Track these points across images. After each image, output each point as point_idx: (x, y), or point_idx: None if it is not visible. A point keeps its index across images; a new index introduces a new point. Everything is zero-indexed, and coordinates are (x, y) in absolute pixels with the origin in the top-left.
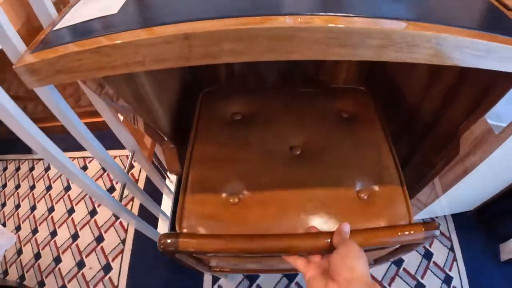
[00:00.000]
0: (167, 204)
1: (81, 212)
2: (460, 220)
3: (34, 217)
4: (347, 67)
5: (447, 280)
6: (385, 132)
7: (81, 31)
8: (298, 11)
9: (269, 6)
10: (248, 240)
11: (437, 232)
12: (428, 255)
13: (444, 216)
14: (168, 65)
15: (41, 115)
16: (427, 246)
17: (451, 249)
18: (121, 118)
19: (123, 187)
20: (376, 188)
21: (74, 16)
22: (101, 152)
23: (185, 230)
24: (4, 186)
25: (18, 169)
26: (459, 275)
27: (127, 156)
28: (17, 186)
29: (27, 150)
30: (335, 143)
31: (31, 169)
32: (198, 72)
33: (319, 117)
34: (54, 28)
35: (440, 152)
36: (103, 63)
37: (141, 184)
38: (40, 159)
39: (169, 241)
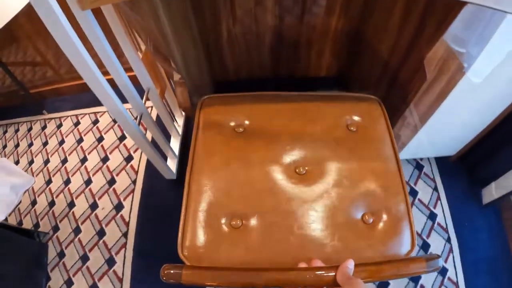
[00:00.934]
0: (174, 144)
1: (93, 160)
2: (444, 164)
3: (47, 169)
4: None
5: (432, 216)
6: (395, 150)
7: None
8: None
9: None
10: (251, 274)
11: (440, 264)
12: (413, 192)
13: (428, 159)
14: None
15: (51, 79)
16: (412, 184)
17: (435, 189)
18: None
19: (140, 116)
20: (382, 214)
21: None
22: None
23: (186, 254)
24: (17, 146)
25: (30, 129)
26: (443, 213)
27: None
28: (30, 145)
29: (38, 111)
30: (341, 162)
31: (43, 128)
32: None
33: (326, 131)
34: None
35: (411, 81)
36: None
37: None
38: (51, 119)
39: (172, 271)
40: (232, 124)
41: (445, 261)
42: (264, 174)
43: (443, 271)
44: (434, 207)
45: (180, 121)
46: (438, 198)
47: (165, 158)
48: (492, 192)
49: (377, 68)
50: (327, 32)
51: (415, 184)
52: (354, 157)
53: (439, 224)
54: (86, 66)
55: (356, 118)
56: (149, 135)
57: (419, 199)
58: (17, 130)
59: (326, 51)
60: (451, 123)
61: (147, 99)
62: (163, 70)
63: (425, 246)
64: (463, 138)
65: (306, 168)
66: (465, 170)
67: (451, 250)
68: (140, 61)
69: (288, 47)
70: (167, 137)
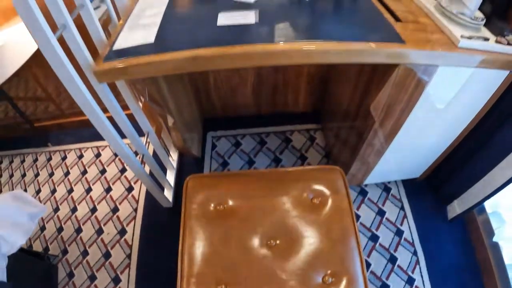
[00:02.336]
0: (170, 176)
1: (97, 190)
2: (410, 185)
3: (55, 198)
4: (303, 95)
5: (399, 232)
6: (353, 218)
7: (133, 51)
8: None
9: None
10: None
11: None
12: (381, 212)
13: (395, 181)
14: (183, 71)
15: (53, 114)
16: (379, 205)
17: (402, 208)
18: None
19: (142, 156)
20: (342, 276)
21: (123, 42)
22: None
23: None
24: (24, 175)
25: (36, 160)
26: (410, 229)
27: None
28: (36, 175)
29: (44, 143)
30: (306, 234)
31: (48, 159)
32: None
33: (293, 206)
34: (113, 49)
35: (363, 128)
36: (148, 71)
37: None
38: (56, 151)
39: None
40: (213, 204)
41: (412, 272)
42: (240, 247)
43: (410, 281)
44: (401, 224)
45: (174, 156)
46: (405, 216)
47: (162, 189)
48: (455, 208)
49: (343, 105)
50: (301, 75)
51: (383, 205)
52: (318, 228)
53: (405, 239)
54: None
55: (320, 189)
56: (147, 169)
57: (386, 218)
58: (23, 161)
59: (301, 91)
60: (414, 145)
61: (148, 143)
62: (159, 115)
63: (393, 259)
64: (427, 160)
65: (277, 241)
66: (430, 189)
67: (417, 262)
68: (141, 110)
69: (268, 88)
70: (164, 170)
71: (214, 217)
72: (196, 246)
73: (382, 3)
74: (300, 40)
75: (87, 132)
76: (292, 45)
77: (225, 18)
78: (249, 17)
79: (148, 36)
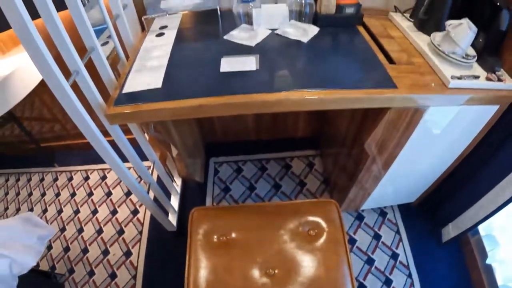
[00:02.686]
0: (174, 201)
1: (103, 212)
2: (406, 209)
3: (61, 218)
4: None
5: (394, 256)
6: (346, 248)
7: (140, 96)
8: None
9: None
10: None
11: None
12: (377, 236)
13: (391, 206)
14: (188, 117)
15: (59, 134)
16: (375, 229)
17: (397, 232)
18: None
19: (149, 185)
20: None
21: (132, 85)
22: (139, 163)
23: None
24: (30, 194)
25: (42, 180)
26: (405, 253)
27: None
28: (43, 194)
29: (50, 163)
30: (303, 264)
31: (55, 179)
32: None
33: (291, 237)
34: (122, 92)
35: (359, 161)
36: (157, 116)
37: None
38: (62, 171)
39: None
40: (216, 235)
41: None
42: (242, 276)
43: None
44: (396, 248)
45: (178, 181)
46: (400, 239)
47: (167, 214)
48: (450, 231)
49: (340, 135)
50: None
51: (379, 229)
52: (313, 257)
53: (401, 262)
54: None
55: (316, 221)
56: (151, 194)
57: (382, 242)
58: (29, 179)
59: (300, 119)
60: (409, 172)
61: (153, 170)
62: (164, 145)
63: (388, 282)
64: (422, 186)
65: (276, 270)
66: (425, 213)
67: (412, 284)
68: (147, 141)
69: (268, 115)
70: (168, 195)
71: (218, 247)
72: (201, 274)
73: (377, 43)
74: (296, 90)
75: (93, 154)
76: (289, 95)
77: (228, 65)
78: (250, 64)
79: (155, 80)
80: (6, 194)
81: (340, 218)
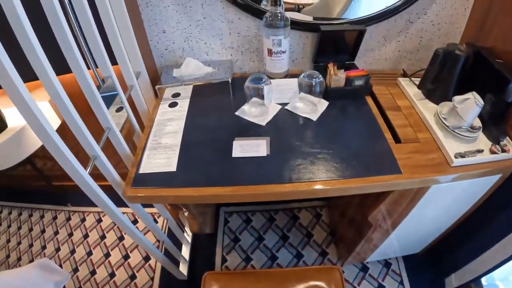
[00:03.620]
0: (185, 252)
1: (116, 256)
2: (410, 260)
3: (74, 259)
4: None
5: None
6: None
7: (156, 179)
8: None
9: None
10: None
11: None
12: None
13: (396, 257)
14: (203, 202)
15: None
16: (379, 280)
17: (401, 283)
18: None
19: (163, 243)
20: None
21: (148, 166)
22: (154, 226)
23: None
24: (43, 231)
25: (55, 218)
26: None
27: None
28: (56, 233)
29: (63, 202)
30: None
31: (68, 219)
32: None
33: None
34: (139, 172)
35: (362, 228)
36: (173, 200)
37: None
38: (75, 211)
39: None
40: None
41: None
42: None
43: None
44: None
45: (189, 231)
46: None
47: (178, 264)
48: (453, 281)
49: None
50: None
51: (383, 280)
52: None
53: None
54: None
55: (321, 286)
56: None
57: None
58: (42, 216)
59: None
60: (418, 226)
61: (168, 228)
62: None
63: None
64: (427, 238)
65: None
66: (429, 263)
67: None
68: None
69: None
70: (179, 245)
71: None
72: None
73: (385, 116)
74: (305, 181)
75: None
76: (297, 186)
77: (239, 149)
78: (261, 149)
79: (170, 163)
80: (19, 228)
81: (343, 283)
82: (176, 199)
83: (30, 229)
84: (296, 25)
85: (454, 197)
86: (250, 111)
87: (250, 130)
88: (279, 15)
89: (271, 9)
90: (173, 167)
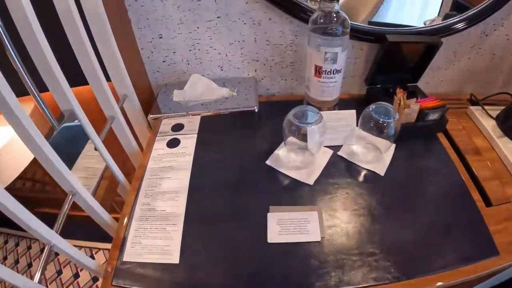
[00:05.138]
0: None
1: None
2: None
3: None
4: None
5: None
6: None
7: (150, 275)
8: None
9: None
10: None
11: None
12: None
13: None
14: None
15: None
16: None
17: None
18: None
19: None
20: None
21: (137, 251)
22: None
23: None
24: (30, 265)
25: (43, 249)
26: None
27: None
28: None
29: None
30: None
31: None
32: None
33: None
34: (123, 259)
35: None
36: None
37: None
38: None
39: None
40: None
41: None
42: None
43: None
44: None
45: None
46: None
47: None
48: None
49: None
50: None
51: None
52: None
53: None
54: None
55: None
56: None
57: None
58: (29, 247)
59: None
60: None
61: None
62: None
63: None
64: None
65: None
66: None
67: None
68: None
69: None
70: None
71: None
72: None
73: (465, 164)
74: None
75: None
76: None
77: (277, 228)
78: (311, 228)
79: (169, 249)
80: (5, 258)
81: None
82: None
83: (17, 261)
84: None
85: None
86: (287, 159)
87: (291, 191)
88: (336, 16)
89: (323, 5)
90: (174, 257)
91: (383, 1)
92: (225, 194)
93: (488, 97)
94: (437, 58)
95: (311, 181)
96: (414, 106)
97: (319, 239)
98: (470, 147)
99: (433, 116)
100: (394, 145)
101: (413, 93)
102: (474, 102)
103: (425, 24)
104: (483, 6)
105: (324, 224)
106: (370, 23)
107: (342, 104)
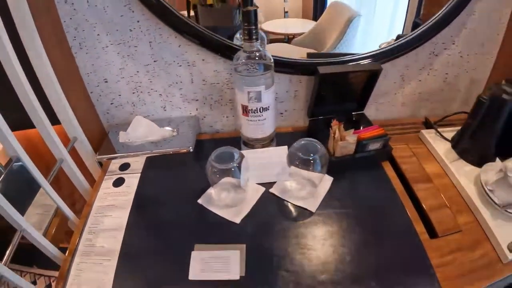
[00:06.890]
0: None
1: None
2: None
3: None
4: None
5: None
6: None
7: None
8: None
9: None
10: None
11: None
12: None
13: None
14: None
15: None
16: None
17: None
18: None
19: None
20: None
21: (76, 283)
22: None
23: None
24: None
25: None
26: None
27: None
28: None
29: (27, 262)
30: None
31: (33, 282)
32: None
33: None
34: None
35: None
36: None
37: None
38: (41, 275)
39: None
40: None
41: None
42: None
43: None
44: None
45: None
46: None
47: None
48: None
49: None
50: None
51: None
52: None
53: None
54: None
55: None
56: None
57: None
58: (48, 286)
59: None
60: None
61: None
62: None
63: None
64: None
65: None
66: None
67: None
68: None
69: None
70: None
71: None
72: None
73: (412, 193)
74: None
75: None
76: None
77: (200, 266)
78: (232, 266)
79: (104, 282)
80: None
81: None
82: None
83: None
84: (283, 66)
85: None
86: (219, 198)
87: (217, 230)
88: (257, 54)
89: (244, 45)
90: None
91: (347, 30)
92: (156, 232)
93: (444, 118)
94: (383, 84)
95: (238, 220)
96: (351, 138)
97: (237, 277)
98: (419, 174)
99: (373, 146)
100: (331, 179)
101: (357, 122)
102: (428, 125)
103: (379, 47)
104: (426, 26)
105: (245, 263)
106: (309, 55)
107: (286, 137)
